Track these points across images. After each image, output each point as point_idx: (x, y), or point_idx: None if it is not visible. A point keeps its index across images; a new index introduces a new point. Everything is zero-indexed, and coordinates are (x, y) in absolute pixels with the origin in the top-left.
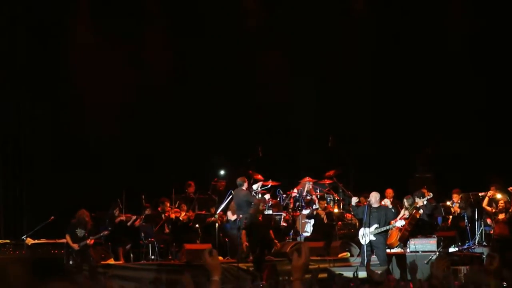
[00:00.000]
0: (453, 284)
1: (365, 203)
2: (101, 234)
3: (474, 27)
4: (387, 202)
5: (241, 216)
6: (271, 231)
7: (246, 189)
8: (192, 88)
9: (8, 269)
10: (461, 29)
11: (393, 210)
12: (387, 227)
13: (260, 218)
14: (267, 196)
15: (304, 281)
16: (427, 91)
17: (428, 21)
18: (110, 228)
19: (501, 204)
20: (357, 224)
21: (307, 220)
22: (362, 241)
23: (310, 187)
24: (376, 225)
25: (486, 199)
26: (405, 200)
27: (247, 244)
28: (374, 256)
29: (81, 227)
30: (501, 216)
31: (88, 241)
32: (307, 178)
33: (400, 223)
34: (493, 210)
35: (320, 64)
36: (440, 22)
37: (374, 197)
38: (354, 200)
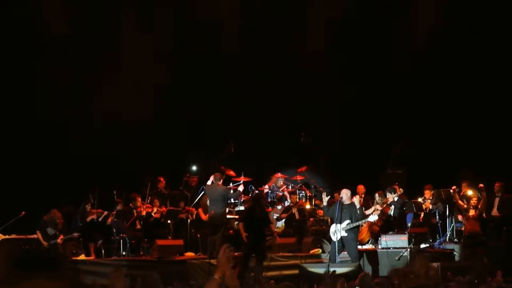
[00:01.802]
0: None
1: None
2: (71, 236)
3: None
4: (355, 200)
5: (213, 212)
6: (271, 226)
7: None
8: (169, 85)
9: None
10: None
11: (360, 210)
12: (360, 222)
13: (258, 212)
14: (241, 188)
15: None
16: (398, 87)
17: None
18: (79, 233)
19: (473, 201)
20: (329, 220)
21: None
22: (334, 238)
23: (281, 182)
24: (348, 221)
25: (457, 196)
26: (377, 195)
27: (246, 234)
28: (345, 252)
29: (51, 227)
30: (472, 213)
31: (58, 240)
32: (278, 174)
33: (373, 217)
34: (465, 206)
35: (289, 60)
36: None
37: (345, 194)
38: (325, 200)
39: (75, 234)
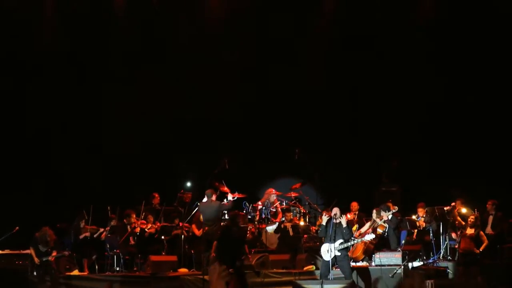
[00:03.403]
0: None
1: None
2: (62, 254)
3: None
4: (342, 219)
5: (206, 228)
6: (245, 246)
7: (214, 200)
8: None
9: None
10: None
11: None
12: (355, 241)
13: (234, 231)
14: (230, 196)
15: None
16: (392, 104)
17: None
18: (70, 252)
19: (471, 219)
20: (323, 238)
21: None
22: (326, 256)
23: (275, 198)
24: (341, 240)
25: (456, 212)
26: (374, 212)
27: (214, 255)
28: (338, 269)
29: (43, 245)
30: (469, 231)
31: (49, 258)
32: (272, 190)
33: (369, 236)
34: (462, 223)
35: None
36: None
37: (335, 212)
38: (325, 219)
39: (66, 253)
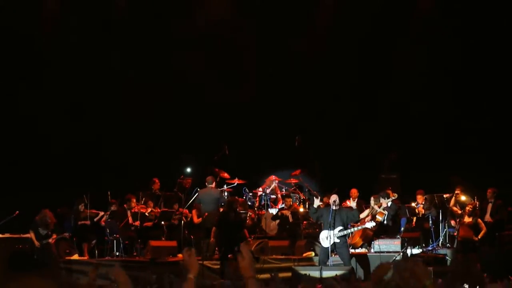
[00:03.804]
0: None
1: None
2: (62, 236)
3: None
4: (349, 203)
5: (206, 214)
6: (245, 230)
7: (214, 187)
8: (159, 86)
9: None
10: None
11: (356, 211)
12: (355, 228)
13: (232, 216)
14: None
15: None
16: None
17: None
18: (70, 234)
19: (468, 207)
20: (322, 224)
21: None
22: (325, 243)
23: (275, 185)
24: (340, 227)
25: (453, 200)
26: (372, 199)
27: (213, 240)
28: (337, 256)
29: (43, 227)
30: (467, 220)
31: (50, 240)
32: (272, 177)
33: (370, 224)
34: (459, 212)
35: (283, 62)
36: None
37: (335, 199)
38: (316, 202)
39: (66, 234)
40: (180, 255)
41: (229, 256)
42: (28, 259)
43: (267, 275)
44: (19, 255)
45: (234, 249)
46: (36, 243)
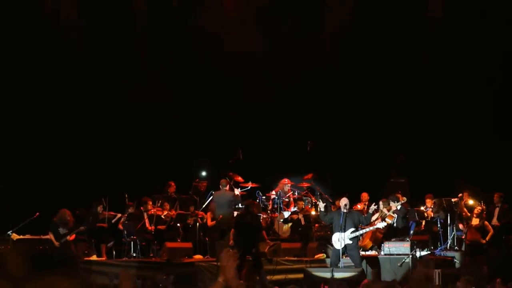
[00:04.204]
0: None
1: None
2: (78, 230)
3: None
4: (359, 207)
5: (221, 216)
6: (263, 232)
7: (228, 190)
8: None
9: (8, 259)
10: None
11: (369, 215)
12: (367, 229)
13: (249, 219)
14: (237, 191)
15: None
16: (401, 96)
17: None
18: (86, 226)
19: (477, 210)
20: (333, 227)
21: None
22: (337, 245)
23: (288, 188)
24: (352, 229)
25: (462, 204)
26: (381, 203)
27: (232, 242)
28: (347, 258)
29: (62, 226)
30: (475, 222)
31: (68, 237)
32: (285, 180)
33: (381, 224)
34: (468, 215)
35: (295, 70)
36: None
37: (344, 202)
38: (322, 206)
39: (82, 228)
40: (196, 256)
41: (247, 257)
42: (48, 259)
43: (281, 276)
44: (41, 255)
45: (252, 251)
46: (56, 242)
